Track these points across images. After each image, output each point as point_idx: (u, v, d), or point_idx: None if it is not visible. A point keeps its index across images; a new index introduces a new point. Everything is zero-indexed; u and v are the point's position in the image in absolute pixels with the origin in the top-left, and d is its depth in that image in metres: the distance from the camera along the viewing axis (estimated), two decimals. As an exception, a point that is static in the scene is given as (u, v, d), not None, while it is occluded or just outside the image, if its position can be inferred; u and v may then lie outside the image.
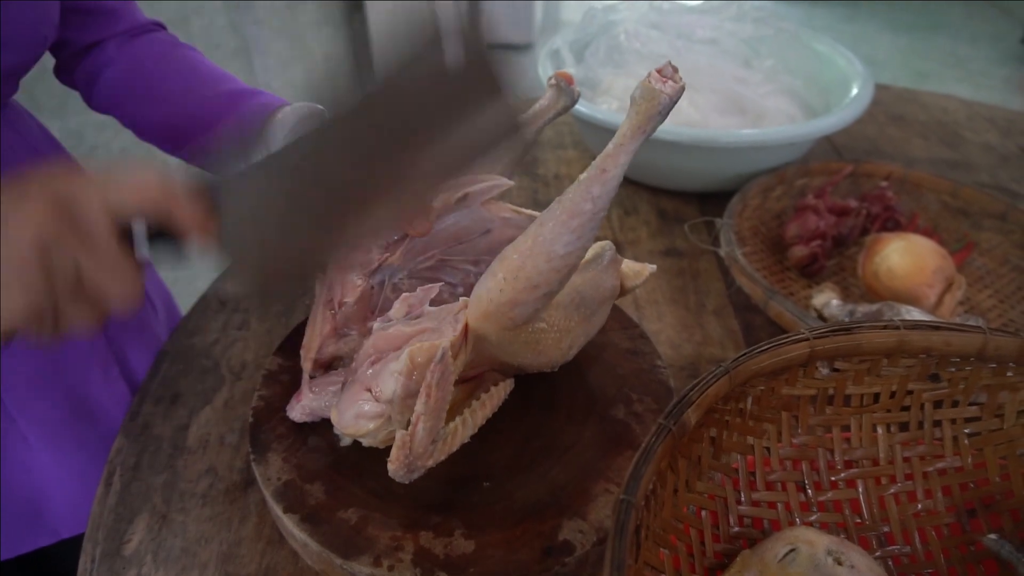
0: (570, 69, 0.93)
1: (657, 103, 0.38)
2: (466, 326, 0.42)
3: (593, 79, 0.93)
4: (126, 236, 0.36)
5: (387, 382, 0.41)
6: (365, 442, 0.44)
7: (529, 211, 0.53)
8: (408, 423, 0.42)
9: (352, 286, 0.52)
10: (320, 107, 0.55)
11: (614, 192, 0.40)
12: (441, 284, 0.49)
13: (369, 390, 0.42)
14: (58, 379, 0.56)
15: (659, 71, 0.38)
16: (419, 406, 0.39)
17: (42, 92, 1.13)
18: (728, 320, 0.67)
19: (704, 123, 0.85)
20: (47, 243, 0.33)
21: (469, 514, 0.43)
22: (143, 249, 0.37)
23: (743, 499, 0.43)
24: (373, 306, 0.54)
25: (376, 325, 0.46)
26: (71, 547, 0.58)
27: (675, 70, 0.38)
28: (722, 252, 0.68)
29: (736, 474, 0.43)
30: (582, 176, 0.40)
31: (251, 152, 0.49)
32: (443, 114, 0.40)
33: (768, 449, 0.44)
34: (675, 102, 0.39)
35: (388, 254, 0.51)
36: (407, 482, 0.41)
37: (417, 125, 0.40)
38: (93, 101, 0.62)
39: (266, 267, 0.42)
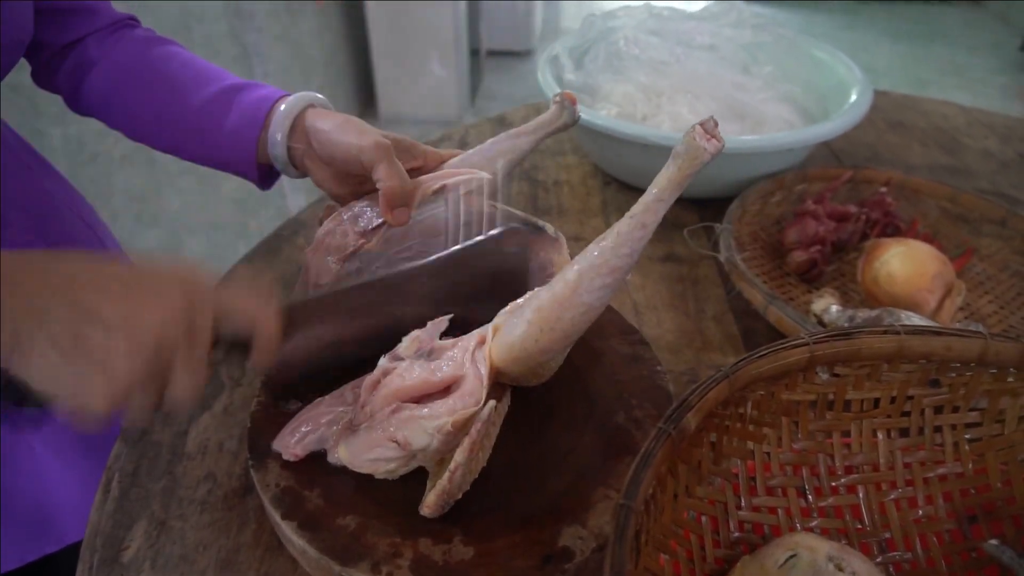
0: (569, 75, 0.93)
1: (699, 160, 0.39)
2: (492, 368, 0.43)
3: (592, 85, 0.93)
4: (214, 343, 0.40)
5: (419, 436, 0.42)
6: (378, 476, 0.45)
7: (514, 211, 0.53)
8: (434, 462, 0.44)
9: (327, 269, 0.52)
10: (320, 96, 0.56)
11: (647, 241, 0.41)
12: (450, 316, 0.49)
13: (395, 441, 0.42)
14: None
15: (702, 125, 0.38)
16: (460, 456, 0.40)
17: (43, 98, 1.13)
18: (728, 325, 0.67)
19: (703, 129, 0.86)
20: (163, 343, 0.36)
21: (468, 521, 0.43)
22: (219, 355, 0.41)
23: (743, 504, 0.42)
24: None
25: (383, 362, 0.46)
26: (72, 554, 0.58)
27: (716, 124, 0.38)
28: (721, 258, 0.68)
29: (736, 479, 0.43)
30: (620, 227, 0.41)
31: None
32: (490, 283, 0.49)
33: (768, 454, 0.43)
34: (713, 159, 0.39)
35: (364, 240, 0.51)
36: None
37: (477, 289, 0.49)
38: (77, 104, 0.61)
39: (296, 376, 0.48)
